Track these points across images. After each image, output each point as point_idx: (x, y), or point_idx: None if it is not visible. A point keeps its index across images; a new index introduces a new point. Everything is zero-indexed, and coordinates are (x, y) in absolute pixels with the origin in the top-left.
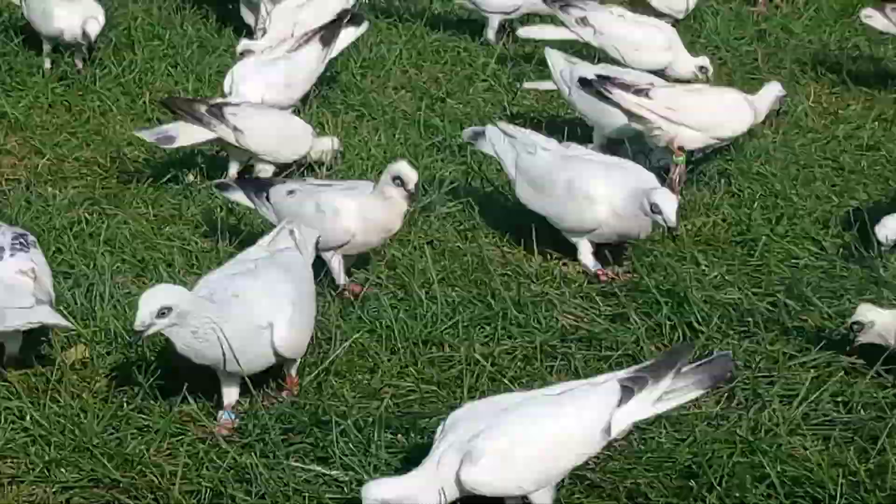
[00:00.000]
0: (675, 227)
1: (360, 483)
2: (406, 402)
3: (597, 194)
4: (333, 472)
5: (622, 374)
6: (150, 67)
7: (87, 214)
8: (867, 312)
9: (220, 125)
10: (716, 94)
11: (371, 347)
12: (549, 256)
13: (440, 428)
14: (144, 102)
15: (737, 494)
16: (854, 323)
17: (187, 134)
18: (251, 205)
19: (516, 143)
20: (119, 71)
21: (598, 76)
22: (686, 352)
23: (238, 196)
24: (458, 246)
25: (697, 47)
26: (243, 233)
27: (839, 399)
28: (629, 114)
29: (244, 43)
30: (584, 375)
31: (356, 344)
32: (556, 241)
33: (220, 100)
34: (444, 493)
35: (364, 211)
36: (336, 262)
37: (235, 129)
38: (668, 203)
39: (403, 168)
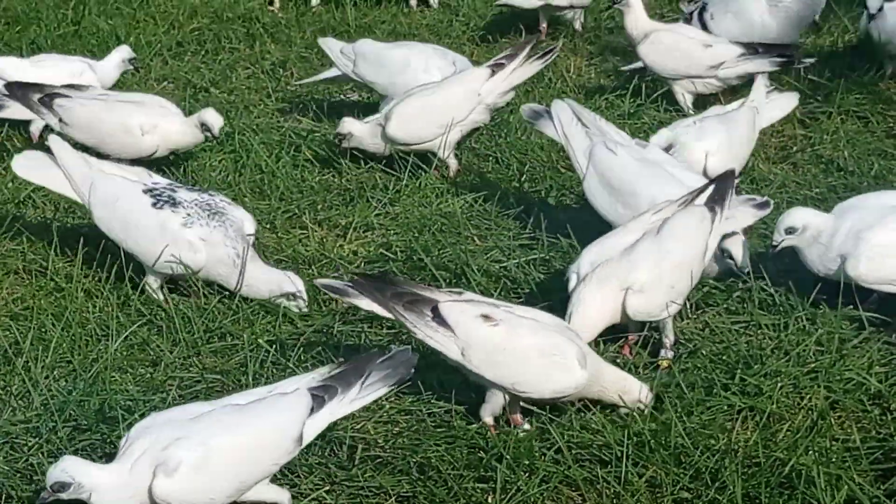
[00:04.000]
0: (745, 267)
1: None
2: (192, 392)
3: None
4: None
5: (312, 380)
6: None
7: None
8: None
9: (48, 114)
10: None
11: (151, 340)
12: (325, 241)
13: (125, 437)
14: None
15: (526, 462)
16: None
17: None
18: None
19: (591, 133)
20: None
21: None
22: (374, 359)
23: (12, 112)
24: None
25: None
26: (10, 233)
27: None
28: None
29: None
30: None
31: (136, 336)
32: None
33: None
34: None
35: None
36: None
37: (61, 120)
38: (737, 248)
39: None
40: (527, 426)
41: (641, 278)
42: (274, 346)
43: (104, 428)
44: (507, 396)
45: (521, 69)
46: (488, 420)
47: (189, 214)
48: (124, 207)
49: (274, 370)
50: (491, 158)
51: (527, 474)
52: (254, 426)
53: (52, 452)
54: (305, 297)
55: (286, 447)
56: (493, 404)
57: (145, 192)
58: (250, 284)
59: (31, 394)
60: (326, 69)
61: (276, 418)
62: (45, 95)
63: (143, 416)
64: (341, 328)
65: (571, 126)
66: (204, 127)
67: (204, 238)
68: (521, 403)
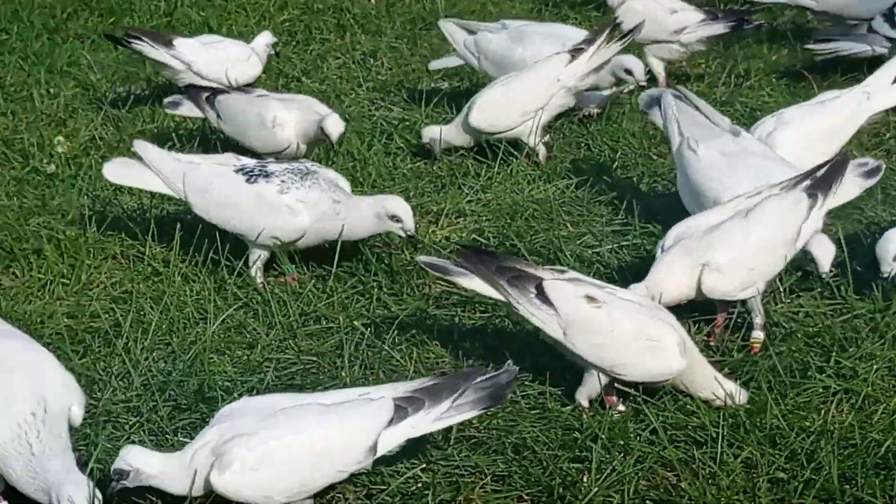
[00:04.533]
0: (826, 275)
1: None
2: (287, 374)
3: None
4: None
5: (400, 390)
6: (0, 61)
7: None
8: None
9: (210, 111)
10: None
11: (248, 323)
12: (417, 227)
13: (212, 419)
14: None
15: (621, 442)
16: None
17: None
18: (201, 114)
19: (683, 126)
20: None
21: None
22: (472, 377)
23: (186, 109)
24: None
25: None
26: (108, 219)
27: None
28: None
29: None
30: (464, 338)
31: (232, 319)
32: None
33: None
34: (192, 487)
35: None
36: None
37: (218, 116)
38: (822, 252)
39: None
40: (621, 408)
41: (719, 257)
42: (369, 329)
43: (203, 407)
44: (603, 378)
45: (600, 52)
46: (584, 403)
47: (283, 181)
48: (219, 189)
49: (369, 352)
50: (583, 146)
51: (622, 454)
52: (323, 430)
53: (153, 431)
54: (410, 216)
55: (355, 456)
56: (590, 387)
57: (237, 171)
58: (354, 224)
59: (131, 374)
60: (447, 55)
61: (348, 425)
62: (211, 94)
63: (241, 396)
64: (435, 311)
65: (671, 118)
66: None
67: (302, 200)
68: (617, 385)
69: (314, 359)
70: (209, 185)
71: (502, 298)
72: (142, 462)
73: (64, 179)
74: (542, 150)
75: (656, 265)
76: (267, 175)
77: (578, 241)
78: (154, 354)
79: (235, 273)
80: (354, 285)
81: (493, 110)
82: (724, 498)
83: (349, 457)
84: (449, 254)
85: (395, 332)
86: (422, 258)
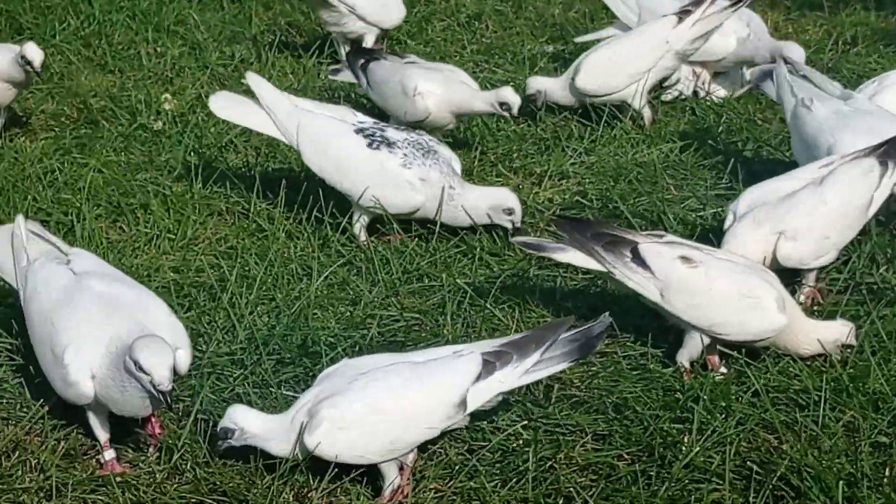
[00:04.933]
0: None
1: None
2: (390, 330)
3: None
4: None
5: (487, 345)
6: (108, 20)
7: (59, 164)
8: None
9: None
10: None
11: (351, 280)
12: (521, 188)
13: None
14: (105, 54)
15: (723, 404)
16: None
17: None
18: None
19: (797, 89)
20: (78, 24)
21: None
22: (560, 329)
23: (344, 76)
24: None
25: None
26: (214, 176)
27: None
28: None
29: None
30: (566, 298)
31: (336, 276)
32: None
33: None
34: (295, 448)
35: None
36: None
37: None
38: None
39: (509, 95)
40: (723, 369)
41: (795, 225)
42: (471, 288)
43: (307, 362)
44: (704, 339)
45: (708, 17)
46: (685, 364)
47: (406, 155)
48: (338, 148)
49: (471, 311)
50: (688, 110)
51: (723, 416)
52: (410, 388)
53: (257, 384)
54: (520, 209)
55: (444, 412)
56: (691, 349)
57: (357, 132)
58: (463, 213)
59: (235, 328)
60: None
61: (436, 382)
62: (365, 61)
63: (344, 350)
64: (537, 272)
65: (785, 87)
66: (504, 106)
67: (423, 178)
68: (718, 347)
69: (417, 316)
70: (328, 142)
71: (599, 268)
72: (246, 421)
73: (171, 136)
74: (647, 114)
75: (731, 232)
76: (389, 144)
77: (682, 205)
78: (258, 309)
79: (339, 230)
80: (457, 244)
81: (599, 72)
82: (826, 461)
83: (439, 413)
84: (550, 215)
85: (497, 291)
86: (516, 238)
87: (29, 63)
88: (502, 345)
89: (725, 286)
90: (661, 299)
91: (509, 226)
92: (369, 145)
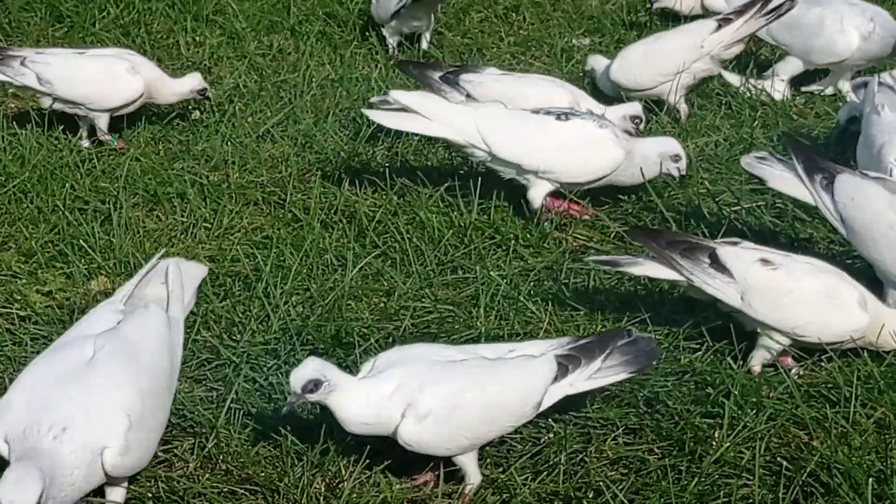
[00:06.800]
0: None
1: None
2: (424, 322)
3: None
4: None
5: (558, 346)
6: (147, 8)
7: (97, 152)
8: None
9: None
10: None
11: (386, 272)
12: None
13: (369, 364)
14: (144, 42)
15: (754, 399)
16: None
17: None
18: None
19: (878, 98)
20: (118, 13)
21: None
22: (617, 339)
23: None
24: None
25: None
26: (249, 165)
27: None
28: None
29: None
30: (599, 292)
31: (370, 267)
32: None
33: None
34: (369, 421)
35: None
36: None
37: (468, 95)
38: None
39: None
40: (796, 369)
41: None
42: (505, 280)
43: (340, 352)
44: (783, 340)
45: (747, 24)
46: (756, 368)
47: (594, 120)
48: (528, 129)
49: (504, 303)
50: (723, 104)
51: (754, 411)
52: (502, 387)
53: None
54: (685, 156)
55: (525, 412)
56: (765, 352)
57: (535, 113)
58: (639, 166)
59: (270, 318)
60: None
61: (523, 383)
62: (448, 73)
63: (378, 342)
64: (571, 265)
65: (870, 95)
66: (636, 120)
67: (617, 134)
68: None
69: (450, 308)
70: (518, 129)
71: (676, 276)
72: (334, 375)
73: (208, 125)
74: (683, 108)
75: None
76: (570, 115)
77: (716, 200)
78: (293, 299)
79: (374, 220)
80: (492, 236)
81: (632, 67)
82: (856, 457)
83: (523, 411)
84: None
85: (531, 284)
86: (591, 258)
87: (202, 92)
88: (571, 349)
89: (809, 286)
90: (741, 303)
91: (676, 173)
92: (557, 118)
